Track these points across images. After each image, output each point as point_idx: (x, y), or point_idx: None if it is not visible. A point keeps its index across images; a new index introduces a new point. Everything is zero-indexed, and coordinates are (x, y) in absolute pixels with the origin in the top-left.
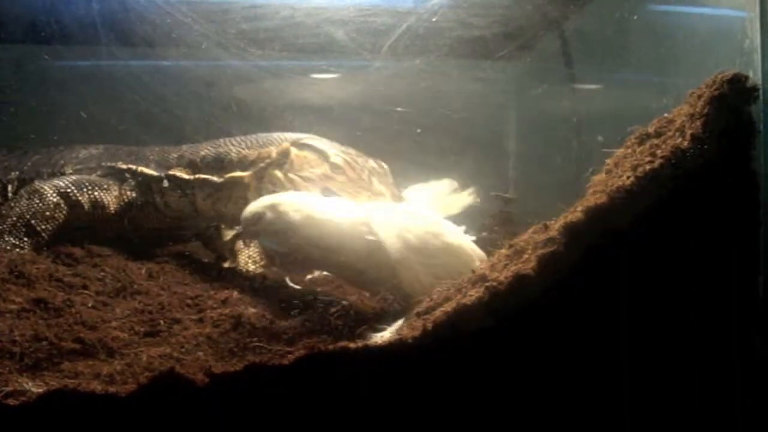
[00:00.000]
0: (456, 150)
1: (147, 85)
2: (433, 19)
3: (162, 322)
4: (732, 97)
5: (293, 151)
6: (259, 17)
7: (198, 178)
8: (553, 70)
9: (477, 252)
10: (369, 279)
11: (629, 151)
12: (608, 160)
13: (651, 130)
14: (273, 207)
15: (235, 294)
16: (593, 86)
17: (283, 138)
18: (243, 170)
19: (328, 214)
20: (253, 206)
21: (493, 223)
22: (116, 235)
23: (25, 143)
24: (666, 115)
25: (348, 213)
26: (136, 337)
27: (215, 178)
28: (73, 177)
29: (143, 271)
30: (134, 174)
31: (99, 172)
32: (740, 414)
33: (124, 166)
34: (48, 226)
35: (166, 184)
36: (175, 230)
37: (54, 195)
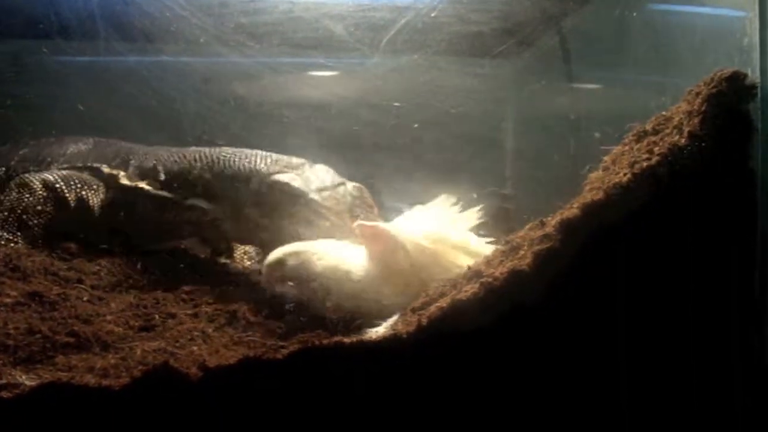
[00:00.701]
0: (454, 146)
1: (144, 80)
2: (432, 15)
3: (157, 316)
4: (730, 95)
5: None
6: (257, 11)
7: (160, 195)
8: (552, 67)
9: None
10: None
11: (627, 148)
12: (606, 158)
13: (649, 127)
14: (296, 255)
15: (231, 289)
16: (591, 84)
17: (263, 171)
18: (210, 199)
19: (352, 266)
20: (277, 252)
21: (489, 220)
22: (110, 231)
23: (21, 137)
24: (664, 112)
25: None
26: (131, 331)
27: (179, 199)
28: (64, 172)
29: (139, 266)
30: (114, 180)
31: (87, 173)
32: (738, 411)
33: (107, 171)
34: (40, 219)
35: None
36: (173, 226)
37: (42, 188)
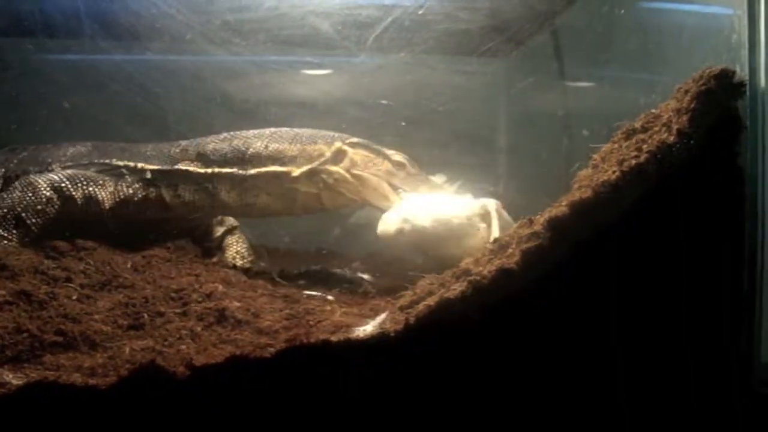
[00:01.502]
0: (442, 144)
1: (130, 77)
2: (420, 12)
3: (146, 315)
4: (719, 93)
5: (349, 149)
6: (243, 8)
7: (218, 172)
8: (541, 65)
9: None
10: None
11: (616, 146)
12: (595, 155)
13: (638, 125)
14: (407, 221)
15: (220, 288)
16: (581, 81)
17: (325, 135)
18: (278, 165)
19: (449, 212)
20: (388, 225)
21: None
22: (104, 230)
23: (7, 135)
24: (653, 110)
25: (462, 208)
26: (120, 330)
27: (240, 171)
28: (69, 171)
29: (128, 265)
30: (133, 170)
31: (93, 169)
32: (728, 407)
33: (121, 163)
34: (38, 219)
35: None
36: (163, 226)
37: (47, 189)
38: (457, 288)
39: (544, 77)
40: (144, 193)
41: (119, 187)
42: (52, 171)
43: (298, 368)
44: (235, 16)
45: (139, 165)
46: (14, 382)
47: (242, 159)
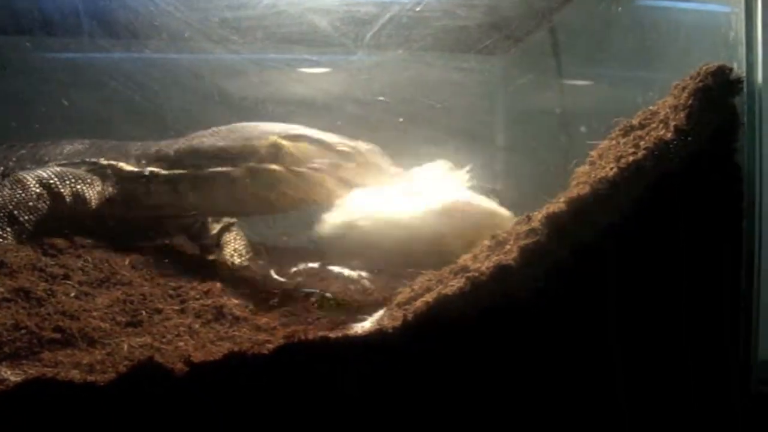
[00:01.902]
0: (440, 141)
1: (129, 75)
2: (417, 9)
3: (144, 312)
4: (716, 90)
5: (286, 143)
6: (241, 6)
7: (177, 173)
8: (539, 62)
9: (507, 214)
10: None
11: (613, 142)
12: (592, 152)
13: (635, 122)
14: (349, 225)
15: (218, 285)
16: (579, 79)
17: (268, 130)
18: (223, 164)
19: (394, 212)
20: (328, 228)
21: None
22: (100, 228)
23: (6, 133)
24: (651, 107)
25: (420, 204)
26: (118, 327)
27: (196, 172)
28: (57, 168)
29: (126, 262)
30: (115, 170)
31: (84, 168)
32: (726, 406)
33: (105, 162)
34: (31, 216)
35: (147, 179)
36: (160, 224)
37: (36, 185)
38: (454, 284)
39: (542, 74)
40: (124, 194)
41: (105, 187)
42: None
43: (296, 365)
44: (234, 14)
45: (120, 165)
46: (12, 378)
47: (198, 159)
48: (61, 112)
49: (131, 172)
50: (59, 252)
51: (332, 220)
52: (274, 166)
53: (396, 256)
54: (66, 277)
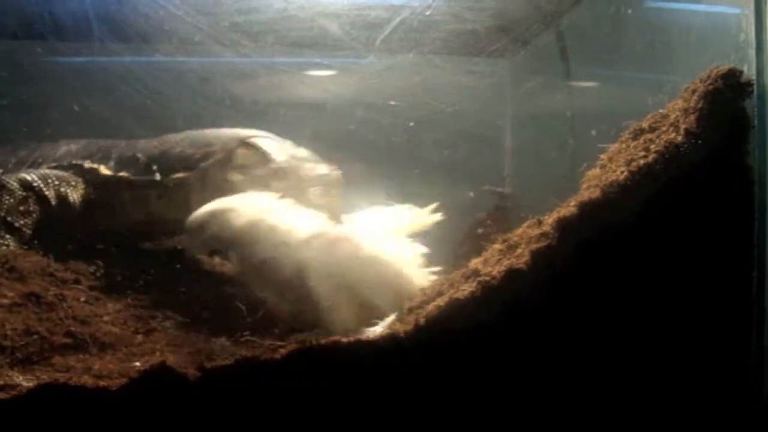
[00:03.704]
0: (450, 145)
1: (139, 79)
2: (427, 13)
3: (154, 317)
4: (726, 92)
5: (239, 150)
6: (252, 10)
7: (142, 180)
8: (548, 65)
9: (417, 275)
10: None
11: (623, 146)
12: (602, 155)
13: (645, 125)
14: (216, 214)
15: (227, 289)
16: (588, 81)
17: (232, 135)
18: (187, 170)
19: (278, 222)
20: (197, 214)
21: (486, 218)
22: (111, 232)
23: (17, 137)
24: (661, 110)
25: (301, 224)
26: (128, 331)
27: (161, 178)
28: (42, 171)
29: (136, 266)
30: (94, 173)
31: (71, 170)
32: (736, 411)
33: (88, 166)
34: (26, 219)
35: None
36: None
37: (20, 189)
38: (466, 288)
39: (551, 77)
40: (103, 197)
41: (88, 190)
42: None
43: (308, 370)
44: (244, 18)
45: (99, 168)
46: (25, 384)
47: (165, 164)
48: (71, 116)
49: (106, 176)
50: (69, 256)
51: (203, 208)
52: (222, 172)
53: (246, 259)
54: (76, 281)
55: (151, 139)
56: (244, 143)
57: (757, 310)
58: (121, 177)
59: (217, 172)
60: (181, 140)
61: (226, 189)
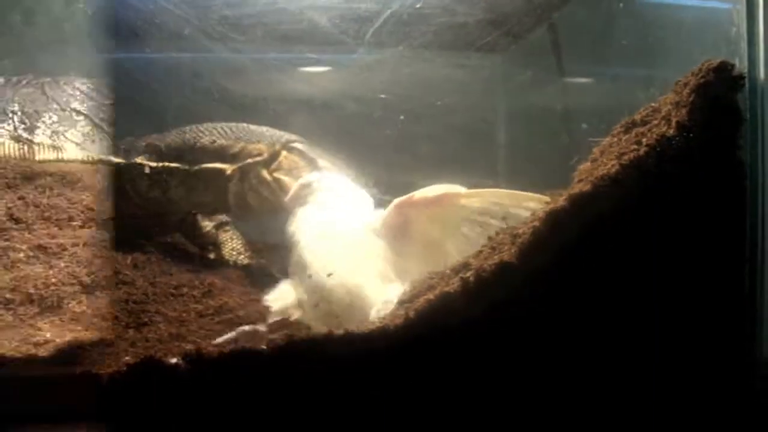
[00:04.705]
0: (441, 139)
1: (128, 73)
2: (417, 6)
3: (145, 311)
4: (718, 86)
5: (283, 152)
6: (241, 3)
7: (165, 166)
8: (540, 59)
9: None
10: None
11: (615, 140)
12: (594, 149)
13: (637, 118)
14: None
15: (219, 284)
16: (580, 76)
17: (272, 135)
18: (221, 160)
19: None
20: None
21: None
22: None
23: None
24: (652, 104)
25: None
26: (120, 326)
27: (185, 167)
28: None
29: (128, 261)
30: (105, 162)
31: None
32: (730, 406)
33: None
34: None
35: (135, 172)
36: (154, 221)
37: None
38: (456, 282)
39: (542, 72)
40: (113, 187)
41: (98, 180)
42: None
43: (298, 363)
44: (233, 11)
45: (109, 157)
46: None
47: (191, 153)
48: None
49: (119, 164)
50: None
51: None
52: (264, 171)
53: None
54: None
55: (163, 133)
56: (290, 146)
57: (749, 302)
58: (141, 164)
59: (260, 170)
60: (203, 131)
61: (262, 188)
